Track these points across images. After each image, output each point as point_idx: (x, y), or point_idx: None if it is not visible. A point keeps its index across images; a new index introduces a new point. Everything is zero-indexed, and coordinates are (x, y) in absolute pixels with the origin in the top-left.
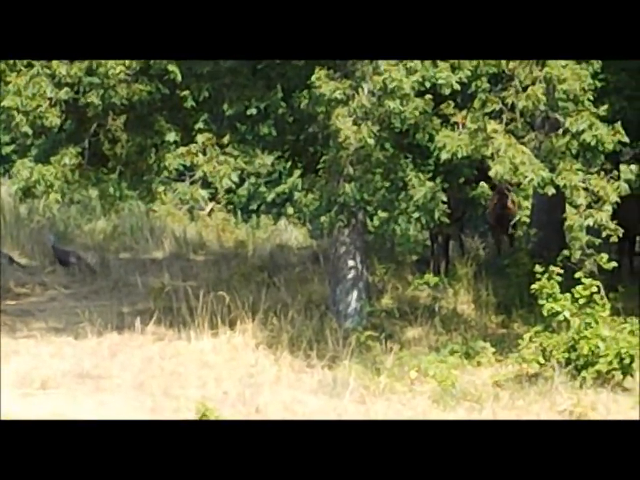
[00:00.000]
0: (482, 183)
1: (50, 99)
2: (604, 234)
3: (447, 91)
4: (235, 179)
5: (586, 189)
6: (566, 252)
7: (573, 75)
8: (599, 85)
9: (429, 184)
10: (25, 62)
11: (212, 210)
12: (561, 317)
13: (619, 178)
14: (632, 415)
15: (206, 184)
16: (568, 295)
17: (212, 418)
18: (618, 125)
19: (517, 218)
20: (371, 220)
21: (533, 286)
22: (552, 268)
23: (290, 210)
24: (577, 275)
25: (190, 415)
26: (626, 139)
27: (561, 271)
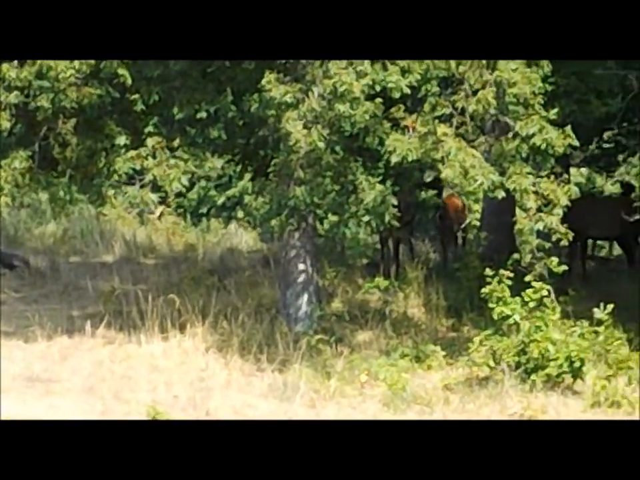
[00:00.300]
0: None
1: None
2: (554, 237)
3: (397, 95)
4: (185, 182)
5: (536, 193)
6: (516, 255)
7: (523, 79)
8: (549, 88)
9: (379, 187)
10: None
11: (162, 213)
12: (511, 321)
13: (569, 181)
14: (582, 418)
15: (156, 187)
16: (518, 298)
17: None
18: (568, 128)
19: (468, 221)
20: (321, 223)
21: (483, 289)
22: (502, 271)
23: (240, 213)
24: (527, 278)
25: (141, 418)
26: (576, 143)
27: (511, 275)
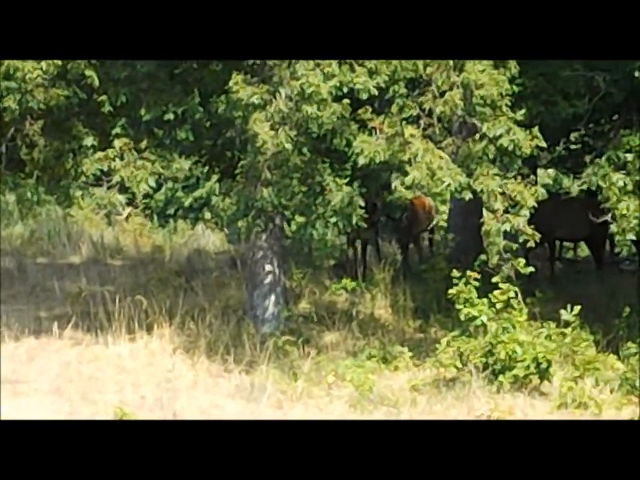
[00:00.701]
0: (400, 188)
1: None
2: (521, 239)
3: (365, 96)
4: (152, 183)
5: (503, 194)
6: (483, 257)
7: (490, 80)
8: (516, 89)
9: (346, 189)
10: None
11: (129, 215)
12: (478, 322)
13: (536, 183)
14: (549, 419)
15: (123, 189)
16: (485, 299)
17: None
18: (535, 129)
19: (435, 222)
20: (289, 225)
21: (450, 291)
22: (469, 273)
23: (207, 215)
24: (494, 279)
25: (108, 419)
26: (543, 144)
27: (478, 276)
